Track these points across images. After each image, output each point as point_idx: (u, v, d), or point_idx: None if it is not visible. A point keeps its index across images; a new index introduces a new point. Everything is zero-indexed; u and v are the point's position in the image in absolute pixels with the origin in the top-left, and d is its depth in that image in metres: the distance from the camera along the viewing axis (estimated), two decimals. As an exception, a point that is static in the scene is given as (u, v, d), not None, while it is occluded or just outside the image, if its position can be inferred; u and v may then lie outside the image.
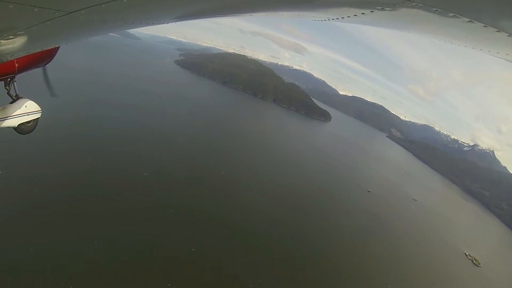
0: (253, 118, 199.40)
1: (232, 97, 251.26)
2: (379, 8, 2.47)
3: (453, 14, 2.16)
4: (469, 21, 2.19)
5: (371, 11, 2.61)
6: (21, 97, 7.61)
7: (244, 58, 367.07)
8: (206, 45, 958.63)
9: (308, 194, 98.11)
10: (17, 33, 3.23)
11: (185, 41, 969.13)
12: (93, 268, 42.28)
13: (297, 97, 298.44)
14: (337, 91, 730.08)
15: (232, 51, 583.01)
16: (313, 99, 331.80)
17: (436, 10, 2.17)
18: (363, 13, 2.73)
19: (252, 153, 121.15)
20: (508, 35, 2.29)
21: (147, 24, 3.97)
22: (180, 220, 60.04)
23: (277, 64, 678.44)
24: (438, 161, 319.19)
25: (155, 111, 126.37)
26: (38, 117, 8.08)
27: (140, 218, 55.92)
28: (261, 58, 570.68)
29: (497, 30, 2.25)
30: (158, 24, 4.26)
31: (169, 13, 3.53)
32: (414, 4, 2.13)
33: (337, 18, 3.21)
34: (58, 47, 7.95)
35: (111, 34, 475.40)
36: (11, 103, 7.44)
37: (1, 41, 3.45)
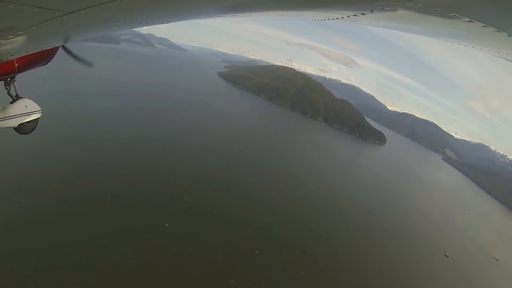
0: (305, 144, 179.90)
1: (279, 117, 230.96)
2: (379, 8, 2.48)
3: (453, 14, 2.15)
4: (469, 20, 2.18)
5: (371, 11, 2.61)
6: (21, 97, 7.64)
7: (292, 71, 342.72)
8: (253, 57, 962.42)
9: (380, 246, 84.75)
10: (17, 33, 3.26)
11: (232, 53, 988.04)
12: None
13: (350, 116, 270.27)
14: (386, 107, 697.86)
15: (279, 63, 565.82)
16: (365, 117, 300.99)
17: (436, 10, 2.17)
18: (363, 13, 2.73)
19: (307, 187, 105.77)
20: (508, 35, 2.29)
21: (147, 24, 4.00)
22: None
23: (325, 77, 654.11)
24: (501, 189, 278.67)
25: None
26: (38, 117, 8.14)
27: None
28: (308, 71, 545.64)
29: (497, 29, 2.24)
30: (158, 24, 4.30)
31: (169, 12, 3.55)
32: (414, 4, 2.12)
33: (337, 18, 3.22)
34: (58, 47, 7.87)
35: (158, 46, 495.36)
36: (11, 103, 7.47)
37: (1, 41, 3.48)
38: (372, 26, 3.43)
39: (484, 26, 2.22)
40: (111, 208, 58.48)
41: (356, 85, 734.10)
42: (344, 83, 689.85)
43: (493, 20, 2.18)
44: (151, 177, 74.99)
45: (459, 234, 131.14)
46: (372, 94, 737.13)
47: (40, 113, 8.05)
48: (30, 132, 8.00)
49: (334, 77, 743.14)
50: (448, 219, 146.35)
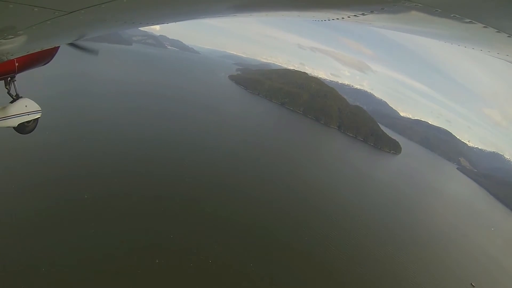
0: (319, 154, 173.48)
1: (291, 123, 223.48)
2: (379, 8, 2.48)
3: (453, 15, 2.15)
4: (469, 21, 2.18)
5: (371, 12, 2.62)
6: (21, 97, 7.67)
7: (305, 75, 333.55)
8: (266, 60, 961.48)
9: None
10: (17, 32, 3.28)
11: (244, 56, 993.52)
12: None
13: (364, 123, 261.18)
14: (398, 113, 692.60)
15: (292, 67, 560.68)
16: (379, 124, 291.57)
17: (436, 11, 2.16)
18: (363, 14, 2.74)
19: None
20: (508, 36, 2.28)
21: (147, 24, 4.01)
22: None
23: (337, 82, 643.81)
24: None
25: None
26: (39, 117, 8.17)
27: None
28: (321, 76, 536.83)
29: (497, 30, 2.23)
30: (158, 24, 4.29)
31: (169, 13, 3.57)
32: (414, 4, 2.12)
33: (337, 18, 3.23)
34: (58, 47, 7.90)
35: (170, 47, 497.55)
36: (11, 102, 7.50)
37: (1, 40, 3.50)
38: (372, 26, 3.43)
39: (484, 26, 2.21)
40: (122, 208, 58.97)
41: (369, 90, 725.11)
42: (356, 89, 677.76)
43: (494, 21, 2.17)
44: (154, 178, 75.32)
45: (483, 256, 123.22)
46: (385, 100, 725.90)
47: (40, 113, 7.99)
48: (30, 132, 7.98)
49: (346, 82, 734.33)
50: (471, 238, 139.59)
